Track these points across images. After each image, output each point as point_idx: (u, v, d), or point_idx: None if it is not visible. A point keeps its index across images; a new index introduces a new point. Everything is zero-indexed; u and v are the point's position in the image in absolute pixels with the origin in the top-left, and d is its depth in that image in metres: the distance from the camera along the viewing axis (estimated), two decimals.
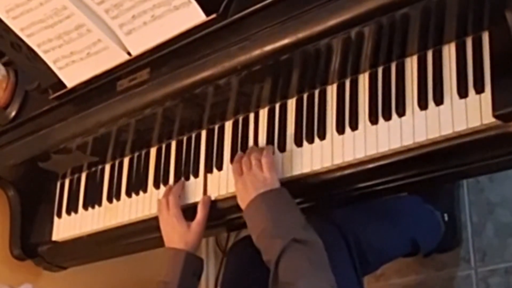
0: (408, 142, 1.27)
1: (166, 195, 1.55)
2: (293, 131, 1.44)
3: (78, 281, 2.00)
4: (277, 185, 1.38)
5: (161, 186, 1.63)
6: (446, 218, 1.83)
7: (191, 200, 1.56)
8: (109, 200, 1.73)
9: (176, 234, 1.49)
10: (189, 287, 1.48)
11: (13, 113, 1.72)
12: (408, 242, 1.68)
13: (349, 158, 1.35)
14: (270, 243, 1.30)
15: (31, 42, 1.52)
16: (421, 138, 1.26)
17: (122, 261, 1.88)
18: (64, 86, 1.58)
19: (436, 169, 1.30)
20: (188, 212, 1.53)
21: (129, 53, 1.48)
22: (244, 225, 1.42)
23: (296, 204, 1.36)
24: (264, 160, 1.39)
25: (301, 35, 1.27)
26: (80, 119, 1.59)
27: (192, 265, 1.48)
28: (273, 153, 1.44)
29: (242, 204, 1.39)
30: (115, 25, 1.44)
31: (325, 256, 1.28)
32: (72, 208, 1.82)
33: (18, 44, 1.55)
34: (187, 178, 1.58)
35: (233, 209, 1.49)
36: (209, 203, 1.52)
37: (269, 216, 1.32)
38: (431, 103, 1.26)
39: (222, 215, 1.54)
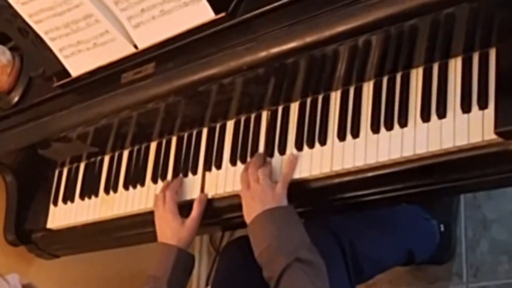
0: (408, 153, 1.27)
1: (164, 190, 1.55)
2: (294, 135, 1.44)
3: (70, 270, 2.00)
4: (284, 202, 1.36)
5: (159, 181, 1.63)
6: (442, 229, 1.83)
7: (188, 197, 1.56)
8: (106, 191, 1.73)
9: (170, 229, 1.50)
10: (179, 282, 1.48)
11: (16, 98, 1.72)
12: (404, 252, 1.68)
13: (348, 165, 1.34)
14: (273, 259, 1.29)
15: (38, 29, 1.52)
16: (421, 150, 1.26)
17: (115, 253, 1.88)
18: (68, 74, 1.58)
19: (435, 182, 1.30)
20: (185, 208, 1.53)
21: (135, 46, 1.48)
22: (239, 225, 1.43)
23: (302, 223, 1.35)
24: (284, 177, 1.38)
25: (308, 39, 1.27)
26: (83, 109, 1.59)
27: (183, 261, 1.49)
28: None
29: (248, 218, 1.37)
30: (124, 17, 1.44)
31: (326, 278, 1.28)
32: (68, 197, 1.82)
33: (25, 29, 1.56)
34: (186, 175, 1.58)
35: (229, 209, 1.49)
36: (205, 201, 1.52)
37: (274, 233, 1.31)
38: (433, 116, 1.26)
39: (218, 214, 1.54)
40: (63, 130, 1.66)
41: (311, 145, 1.40)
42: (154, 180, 1.64)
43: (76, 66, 1.56)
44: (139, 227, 1.58)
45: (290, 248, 1.29)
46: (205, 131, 1.59)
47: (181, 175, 1.59)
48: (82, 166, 1.83)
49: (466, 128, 1.22)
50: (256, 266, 1.33)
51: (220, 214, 1.53)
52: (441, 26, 1.20)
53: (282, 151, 1.44)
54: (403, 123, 1.29)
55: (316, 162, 1.38)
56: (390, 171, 1.31)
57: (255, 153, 1.47)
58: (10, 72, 1.72)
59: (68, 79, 1.59)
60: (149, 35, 1.45)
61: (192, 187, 1.56)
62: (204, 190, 1.54)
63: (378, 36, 1.25)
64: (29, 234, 1.87)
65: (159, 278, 1.46)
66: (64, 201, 1.83)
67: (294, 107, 1.46)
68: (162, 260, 1.48)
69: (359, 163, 1.33)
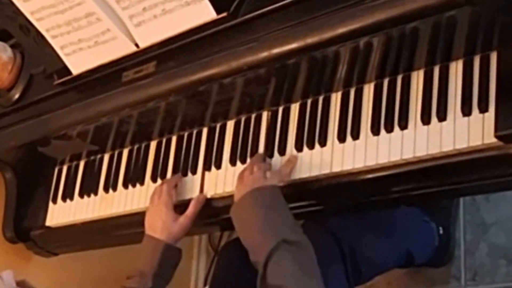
0: (408, 155, 1.27)
1: (162, 184, 1.56)
2: (294, 136, 1.44)
3: (68, 268, 2.00)
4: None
5: (159, 180, 1.63)
6: (441, 231, 1.83)
7: (187, 196, 1.56)
8: (106, 190, 1.73)
9: (161, 222, 1.49)
10: (164, 276, 1.49)
11: (17, 96, 1.72)
12: (403, 254, 1.68)
13: (348, 167, 1.34)
14: (258, 243, 1.28)
15: (40, 26, 1.52)
16: (421, 152, 1.26)
17: (113, 252, 1.88)
18: (69, 72, 1.58)
19: (434, 184, 1.30)
20: (182, 208, 1.52)
21: (137, 45, 1.48)
22: None
23: (285, 203, 1.34)
24: (280, 169, 1.39)
25: (309, 40, 1.27)
26: (83, 107, 1.59)
27: (170, 257, 1.49)
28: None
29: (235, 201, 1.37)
30: (125, 16, 1.44)
31: (314, 258, 1.26)
32: (68, 195, 1.82)
33: (27, 27, 1.56)
34: (185, 174, 1.58)
35: (228, 209, 1.48)
36: (203, 201, 1.51)
37: (259, 214, 1.30)
38: (434, 119, 1.26)
39: (216, 213, 1.53)
40: (63, 128, 1.66)
41: (311, 146, 1.40)
42: (154, 179, 1.64)
43: (77, 64, 1.56)
44: (138, 226, 1.58)
45: (275, 230, 1.27)
46: (205, 130, 1.59)
47: (180, 173, 1.59)
48: (82, 164, 1.83)
49: (466, 131, 1.22)
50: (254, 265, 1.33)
51: (219, 213, 1.53)
52: (443, 29, 1.20)
53: (282, 152, 1.44)
54: (403, 125, 1.29)
55: (316, 163, 1.38)
56: (389, 173, 1.31)
57: (255, 154, 1.47)
58: (11, 69, 1.72)
59: (68, 77, 1.59)
60: (150, 34, 1.45)
61: (191, 186, 1.56)
62: (203, 190, 1.54)
63: (380, 38, 1.25)
64: (27, 231, 1.87)
65: (145, 272, 1.46)
66: (64, 199, 1.83)
67: (295, 108, 1.46)
68: (149, 255, 1.48)
69: (359, 164, 1.33)
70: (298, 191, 1.41)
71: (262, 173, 1.37)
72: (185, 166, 1.59)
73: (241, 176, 1.41)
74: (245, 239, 1.32)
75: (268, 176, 1.37)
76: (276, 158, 1.44)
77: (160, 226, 1.49)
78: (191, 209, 1.50)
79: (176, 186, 1.56)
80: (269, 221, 1.29)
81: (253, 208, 1.32)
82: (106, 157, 1.77)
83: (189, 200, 1.53)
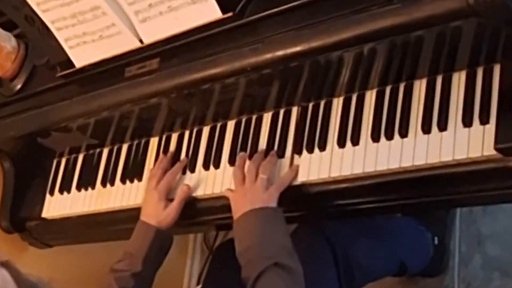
0: (407, 163, 1.27)
1: (163, 168, 1.56)
2: (294, 139, 1.44)
3: (62, 261, 1.99)
4: (274, 204, 1.37)
5: None
6: (436, 242, 1.83)
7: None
8: (103, 184, 1.73)
9: (153, 209, 1.52)
10: (154, 260, 1.50)
11: (19, 86, 1.72)
12: (396, 263, 1.68)
13: (346, 172, 1.34)
14: (252, 260, 1.30)
15: (45, 18, 1.52)
16: (420, 161, 1.26)
17: (108, 246, 1.87)
18: (72, 65, 1.58)
19: (431, 194, 1.30)
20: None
21: (141, 41, 1.48)
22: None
23: (286, 227, 1.36)
24: (281, 182, 1.39)
25: (314, 44, 1.27)
26: (84, 100, 1.59)
27: (160, 241, 1.50)
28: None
29: (235, 214, 1.38)
30: (131, 11, 1.44)
31: (303, 287, 1.28)
32: (65, 187, 1.82)
33: (32, 18, 1.56)
34: (184, 172, 1.58)
35: (224, 208, 1.49)
36: (188, 191, 1.52)
37: (257, 233, 1.32)
38: (434, 128, 1.26)
39: (212, 213, 1.53)
40: (64, 120, 1.66)
41: (310, 150, 1.40)
42: None
43: (81, 57, 1.56)
44: (134, 221, 1.58)
45: (271, 251, 1.29)
46: (205, 129, 1.59)
47: (184, 158, 1.59)
48: (80, 158, 1.83)
49: (466, 142, 1.22)
50: None
51: (215, 213, 1.53)
52: (447, 39, 1.20)
53: (281, 154, 1.44)
54: (404, 133, 1.29)
55: (314, 167, 1.38)
56: (387, 180, 1.31)
57: (254, 155, 1.47)
58: (14, 59, 1.72)
59: (71, 70, 1.59)
60: (155, 31, 1.45)
61: (190, 184, 1.56)
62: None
63: (384, 45, 1.25)
64: (23, 222, 1.87)
65: (135, 256, 1.47)
66: (61, 191, 1.83)
67: (296, 111, 1.46)
68: (139, 239, 1.50)
69: (358, 170, 1.33)
70: (296, 194, 1.41)
71: (265, 183, 1.37)
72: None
73: (239, 177, 1.41)
74: (241, 254, 1.34)
75: (269, 189, 1.37)
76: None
77: (151, 212, 1.52)
78: (176, 200, 1.52)
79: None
80: (267, 242, 1.31)
81: (254, 226, 1.34)
82: (105, 152, 1.77)
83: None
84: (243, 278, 1.31)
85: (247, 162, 1.44)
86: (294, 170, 1.40)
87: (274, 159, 1.42)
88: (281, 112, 1.48)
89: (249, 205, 1.35)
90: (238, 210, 1.38)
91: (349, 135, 1.36)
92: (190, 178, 1.56)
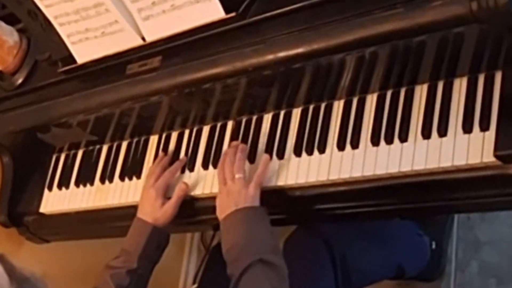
0: (406, 168, 1.27)
1: (162, 166, 1.57)
2: (294, 141, 1.44)
3: (58, 256, 1.99)
4: (257, 203, 1.38)
5: None
6: (433, 246, 1.83)
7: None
8: (102, 181, 1.73)
9: (150, 207, 1.52)
10: (150, 258, 1.50)
11: (20, 80, 1.72)
12: (394, 266, 1.68)
13: (345, 175, 1.34)
14: (237, 258, 1.31)
15: (48, 13, 1.52)
16: (419, 166, 1.26)
17: (105, 243, 1.87)
18: (74, 61, 1.58)
19: (430, 199, 1.30)
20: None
21: (143, 39, 1.48)
22: None
23: (270, 225, 1.37)
24: (256, 177, 1.40)
25: (316, 46, 1.27)
26: (85, 97, 1.59)
27: (156, 238, 1.50)
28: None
29: (220, 215, 1.40)
30: (134, 9, 1.44)
31: (287, 284, 1.29)
32: (63, 183, 1.82)
33: (35, 12, 1.56)
34: (182, 171, 1.58)
35: None
36: (185, 189, 1.53)
37: (242, 232, 1.34)
38: (434, 134, 1.26)
39: (210, 212, 1.53)
40: (64, 116, 1.66)
41: (309, 152, 1.40)
42: None
43: (83, 53, 1.56)
44: (131, 218, 1.58)
45: (255, 248, 1.31)
46: (205, 129, 1.59)
47: (184, 156, 1.59)
48: (80, 154, 1.83)
49: (466, 148, 1.22)
50: None
51: (213, 213, 1.52)
52: (450, 44, 1.20)
53: (281, 156, 1.44)
54: (404, 138, 1.29)
55: (313, 170, 1.38)
56: (386, 184, 1.31)
57: (253, 155, 1.47)
58: (16, 54, 1.72)
59: (73, 66, 1.59)
60: (157, 29, 1.45)
61: (188, 183, 1.56)
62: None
63: (386, 49, 1.25)
64: (21, 216, 1.87)
65: (131, 253, 1.48)
66: (59, 186, 1.83)
67: (296, 113, 1.46)
68: (136, 236, 1.50)
69: (356, 174, 1.33)
70: (294, 196, 1.41)
71: (243, 182, 1.39)
72: None
73: (222, 177, 1.43)
74: (227, 253, 1.35)
75: (249, 188, 1.38)
76: (274, 161, 1.44)
77: (148, 209, 1.52)
78: (174, 198, 1.52)
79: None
80: (251, 240, 1.33)
81: (239, 225, 1.35)
82: (105, 148, 1.77)
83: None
84: (229, 276, 1.32)
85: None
86: (265, 163, 1.42)
87: (243, 154, 1.44)
88: (282, 113, 1.48)
89: (233, 206, 1.37)
90: (222, 211, 1.39)
91: (349, 138, 1.36)
92: (189, 177, 1.56)
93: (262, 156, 1.44)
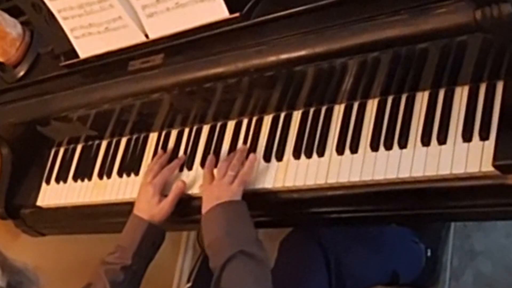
0: (404, 174, 1.27)
1: (160, 163, 1.57)
2: (293, 143, 1.44)
3: (54, 250, 1.99)
4: (238, 197, 1.40)
5: None
6: (429, 253, 1.83)
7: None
8: (100, 176, 1.73)
9: (146, 203, 1.52)
10: (145, 255, 1.50)
11: (22, 73, 1.72)
12: (388, 272, 1.68)
13: (343, 179, 1.34)
14: (219, 250, 1.32)
15: (52, 7, 1.52)
16: (418, 173, 1.26)
17: (101, 238, 1.87)
18: (76, 55, 1.58)
19: (427, 206, 1.30)
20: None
21: (146, 36, 1.48)
22: None
23: (251, 219, 1.38)
24: (241, 175, 1.41)
25: (318, 49, 1.27)
26: (87, 91, 1.59)
27: (152, 235, 1.50)
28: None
29: (203, 211, 1.41)
30: (138, 6, 1.44)
31: (269, 276, 1.31)
32: (62, 177, 1.82)
33: (39, 5, 1.56)
34: (181, 169, 1.58)
35: None
36: (183, 187, 1.53)
37: (223, 225, 1.35)
38: (434, 141, 1.26)
39: None
40: (65, 110, 1.66)
41: (308, 155, 1.40)
42: None
43: (85, 48, 1.56)
44: (128, 215, 1.58)
45: (236, 241, 1.32)
46: (205, 128, 1.59)
47: (182, 155, 1.59)
48: (79, 148, 1.82)
49: (465, 157, 1.22)
50: None
51: None
52: (452, 53, 1.20)
53: (280, 158, 1.44)
54: (403, 145, 1.29)
55: (312, 172, 1.38)
56: (384, 190, 1.31)
57: (252, 156, 1.47)
58: (19, 46, 1.72)
59: (75, 60, 1.59)
60: (161, 26, 1.45)
61: (187, 182, 1.56)
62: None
63: (388, 55, 1.25)
64: (18, 209, 1.87)
65: (126, 249, 1.48)
66: (57, 180, 1.82)
67: (297, 115, 1.46)
68: (131, 232, 1.50)
69: (355, 178, 1.33)
70: (292, 199, 1.41)
71: (231, 180, 1.41)
72: None
73: (208, 178, 1.45)
74: (209, 246, 1.36)
75: (233, 184, 1.40)
76: (273, 163, 1.44)
77: (144, 206, 1.52)
78: (170, 195, 1.52)
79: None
80: (233, 233, 1.34)
81: (220, 219, 1.37)
82: (104, 144, 1.77)
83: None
84: (211, 268, 1.33)
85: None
86: (252, 162, 1.43)
87: (242, 156, 1.45)
88: (282, 115, 1.48)
89: (215, 200, 1.38)
90: (205, 207, 1.40)
91: (348, 142, 1.36)
92: (187, 176, 1.56)
93: (250, 155, 1.45)
